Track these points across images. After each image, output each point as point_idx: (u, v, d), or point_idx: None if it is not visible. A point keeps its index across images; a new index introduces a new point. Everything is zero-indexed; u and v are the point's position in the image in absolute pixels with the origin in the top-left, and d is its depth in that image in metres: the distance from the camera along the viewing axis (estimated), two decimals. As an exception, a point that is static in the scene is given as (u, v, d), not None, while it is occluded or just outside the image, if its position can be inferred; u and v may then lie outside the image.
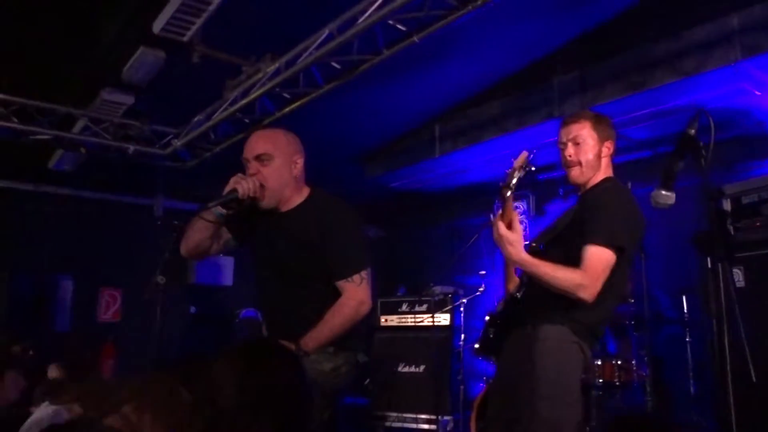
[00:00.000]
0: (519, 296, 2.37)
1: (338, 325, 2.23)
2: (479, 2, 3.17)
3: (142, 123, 5.20)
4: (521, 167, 2.17)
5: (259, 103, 4.47)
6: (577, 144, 2.38)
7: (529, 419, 2.14)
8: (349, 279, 2.27)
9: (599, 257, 2.17)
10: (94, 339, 6.19)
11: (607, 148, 2.42)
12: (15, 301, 5.80)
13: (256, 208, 2.38)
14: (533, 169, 2.19)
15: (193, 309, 6.70)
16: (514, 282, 2.44)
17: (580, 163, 2.38)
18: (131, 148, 5.27)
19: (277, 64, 4.06)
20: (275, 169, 2.32)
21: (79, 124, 5.15)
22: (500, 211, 2.20)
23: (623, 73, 4.35)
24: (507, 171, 2.19)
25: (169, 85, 4.55)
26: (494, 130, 5.15)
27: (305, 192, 2.41)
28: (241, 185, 2.27)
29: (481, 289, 5.12)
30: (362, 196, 7.02)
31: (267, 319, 2.50)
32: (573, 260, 2.20)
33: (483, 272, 5.30)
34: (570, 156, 2.39)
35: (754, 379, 1.76)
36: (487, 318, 4.66)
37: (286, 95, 4.29)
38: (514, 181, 2.16)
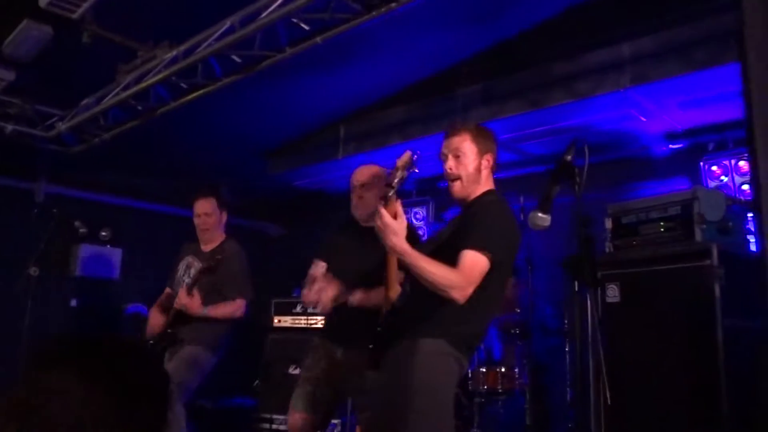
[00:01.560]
0: (399, 306, 2.40)
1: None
2: (383, 9, 3.19)
3: (23, 101, 4.87)
4: (404, 167, 2.20)
5: (154, 91, 4.29)
6: (457, 157, 2.42)
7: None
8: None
9: (475, 261, 2.21)
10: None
11: (487, 161, 2.46)
12: None
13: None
14: (416, 170, 2.24)
15: (74, 302, 6.34)
16: (395, 290, 2.46)
17: (460, 177, 2.42)
18: (9, 127, 4.93)
19: (174, 52, 3.92)
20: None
21: (-50, 98, 4.76)
22: (382, 203, 2.21)
23: (524, 89, 4.50)
24: (390, 170, 2.22)
25: (56, 63, 4.28)
26: (398, 135, 5.20)
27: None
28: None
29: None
30: (264, 193, 6.93)
31: None
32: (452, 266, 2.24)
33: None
34: (450, 169, 2.43)
35: (609, 401, 1.87)
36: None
37: (183, 85, 4.15)
38: (397, 180, 2.19)
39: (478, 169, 2.43)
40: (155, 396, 1.31)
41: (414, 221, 6.06)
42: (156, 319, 3.60)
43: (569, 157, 1.93)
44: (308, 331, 5.44)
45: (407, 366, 2.22)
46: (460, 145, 2.42)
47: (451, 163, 2.42)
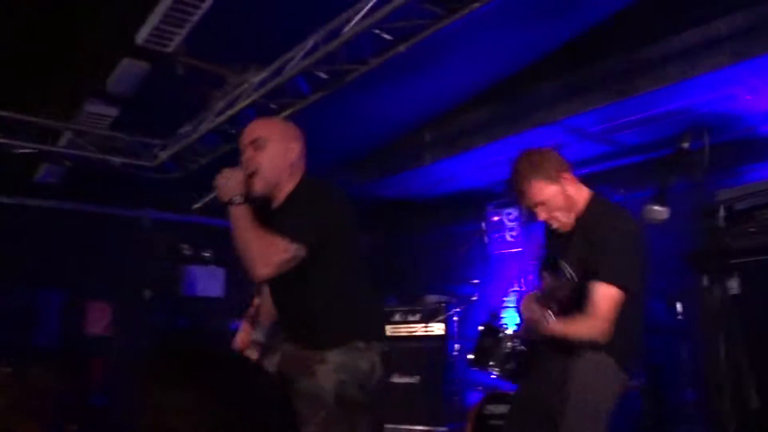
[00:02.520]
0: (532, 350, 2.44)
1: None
2: (465, 10, 3.14)
3: (128, 135, 5.14)
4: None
5: (245, 114, 4.40)
6: (544, 204, 2.42)
7: None
8: (281, 235, 2.09)
9: (606, 297, 2.21)
10: (82, 354, 6.12)
11: (569, 181, 2.44)
12: (3, 318, 5.72)
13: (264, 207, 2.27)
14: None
15: (182, 321, 6.62)
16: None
17: (560, 218, 2.42)
18: (117, 160, 5.21)
19: (262, 75, 4.02)
20: (269, 155, 2.23)
21: (65, 137, 5.08)
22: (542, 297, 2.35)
23: (611, 78, 4.32)
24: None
25: (154, 96, 4.50)
26: (484, 137, 5.11)
27: (296, 181, 2.28)
28: (220, 183, 2.16)
29: (474, 297, 5.07)
30: (354, 204, 6.99)
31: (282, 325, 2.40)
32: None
33: (476, 281, 5.25)
34: (549, 220, 2.44)
35: (755, 404, 1.75)
36: (480, 328, 4.63)
37: (272, 106, 4.24)
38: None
39: (568, 196, 2.42)
40: (264, 409, 1.33)
41: (506, 222, 5.93)
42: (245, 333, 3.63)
43: (686, 144, 1.81)
44: (408, 339, 5.41)
45: (567, 377, 2.25)
46: (542, 198, 2.42)
47: (542, 215, 2.44)
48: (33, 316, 5.92)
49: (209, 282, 6.63)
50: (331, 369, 2.14)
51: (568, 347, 2.30)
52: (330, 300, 2.20)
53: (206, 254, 6.67)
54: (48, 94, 4.74)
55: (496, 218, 5.98)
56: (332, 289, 2.20)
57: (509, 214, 6.00)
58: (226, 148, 4.90)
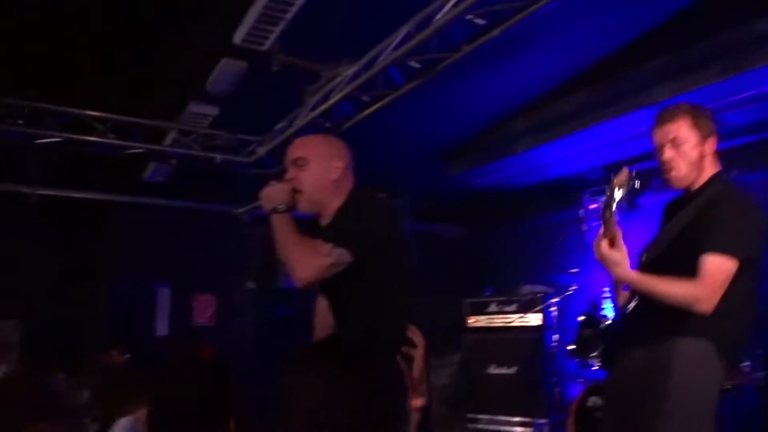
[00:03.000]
0: (629, 310, 2.25)
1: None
2: (562, -11, 3.01)
3: (227, 133, 5.33)
4: (623, 185, 2.05)
5: (339, 108, 4.47)
6: (676, 146, 2.21)
7: None
8: (324, 243, 2.09)
9: (718, 267, 2.04)
10: (191, 341, 6.43)
11: (711, 146, 2.24)
12: (114, 309, 6.10)
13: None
14: (637, 187, 2.08)
15: (281, 312, 6.82)
16: (623, 296, 2.32)
17: (680, 167, 2.21)
18: (218, 157, 5.41)
19: (355, 68, 4.04)
20: (310, 174, 2.23)
21: (170, 137, 5.33)
22: (602, 229, 2.11)
23: (720, 54, 4.05)
24: (606, 191, 2.08)
25: (251, 94, 4.63)
26: (580, 122, 4.94)
27: (343, 198, 2.26)
28: (265, 193, 2.22)
29: (573, 287, 4.94)
30: (446, 195, 6.95)
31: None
32: (689, 271, 2.06)
33: (575, 270, 5.10)
34: (669, 160, 2.22)
35: None
36: (580, 318, 4.49)
37: (365, 98, 4.27)
38: (616, 201, 2.05)
39: (701, 157, 2.22)
40: (389, 394, 1.32)
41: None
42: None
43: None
44: (505, 330, 5.34)
45: (662, 367, 2.07)
46: (677, 133, 2.21)
47: (669, 154, 2.21)
48: (148, 309, 6.28)
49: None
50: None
51: (662, 330, 2.10)
52: (364, 314, 2.16)
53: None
54: (153, 96, 4.99)
55: (593, 206, 5.77)
56: (369, 302, 2.16)
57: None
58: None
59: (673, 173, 2.21)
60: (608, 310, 4.61)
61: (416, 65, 3.80)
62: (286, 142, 5.13)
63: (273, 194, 2.19)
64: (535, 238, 6.53)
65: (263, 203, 2.20)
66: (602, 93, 4.78)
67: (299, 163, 2.25)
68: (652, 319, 2.15)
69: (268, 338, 6.25)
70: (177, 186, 6.22)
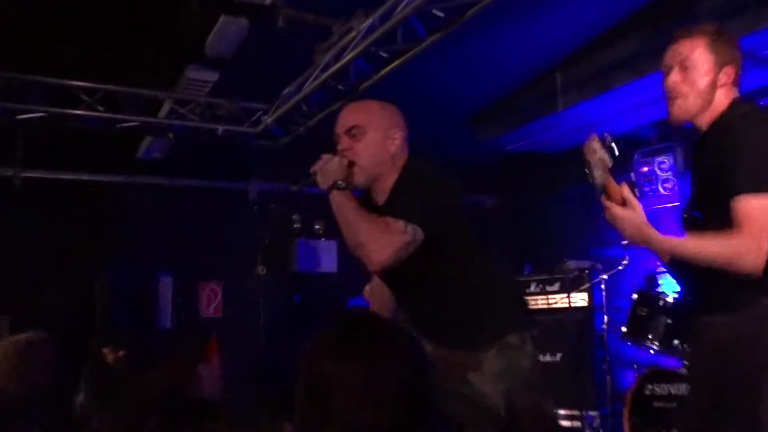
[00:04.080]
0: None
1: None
2: None
3: (229, 101, 5.34)
4: (595, 149, 2.02)
5: (354, 66, 4.44)
6: (684, 69, 2.09)
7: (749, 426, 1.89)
8: (396, 220, 2.10)
9: (757, 209, 1.86)
10: (197, 335, 6.51)
11: (727, 75, 2.09)
12: (115, 299, 6.18)
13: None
14: (614, 147, 2.04)
15: (297, 298, 6.87)
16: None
17: (686, 96, 2.09)
18: (220, 128, 5.43)
19: (370, 20, 4.00)
20: (368, 145, 2.26)
21: (165, 108, 5.35)
22: (603, 195, 2.07)
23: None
24: (585, 166, 2.05)
25: (254, 56, 4.60)
26: (627, 73, 4.86)
27: (399, 171, 2.30)
28: (319, 168, 2.22)
29: (624, 262, 4.88)
30: (475, 162, 6.90)
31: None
32: (727, 225, 1.91)
33: (626, 242, 5.05)
34: (673, 85, 2.11)
35: None
36: (634, 296, 4.46)
37: (383, 54, 4.24)
38: (597, 174, 2.02)
39: (713, 85, 2.08)
40: (426, 375, 1.33)
41: (658, 173, 5.65)
42: (378, 301, 3.71)
43: None
44: (547, 312, 5.33)
45: (743, 355, 1.92)
46: (690, 54, 2.09)
47: (675, 77, 2.10)
48: (150, 299, 6.36)
49: (322, 256, 6.83)
50: (492, 378, 2.14)
51: (728, 300, 1.96)
52: (467, 292, 2.21)
53: (318, 227, 6.87)
54: (146, 63, 4.98)
55: (645, 168, 5.71)
56: (467, 279, 2.22)
57: (662, 163, 5.71)
58: (335, 106, 4.96)
59: (677, 102, 2.10)
60: (666, 286, 4.56)
61: (440, 14, 3.76)
62: (296, 109, 5.15)
63: (330, 169, 2.19)
64: (579, 207, 6.47)
65: (319, 180, 2.21)
66: (652, 39, 4.68)
67: (354, 132, 2.26)
68: (716, 287, 2.02)
69: (284, 329, 6.31)
70: (176, 163, 6.25)
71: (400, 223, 2.05)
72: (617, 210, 2.01)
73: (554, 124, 5.72)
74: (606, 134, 2.04)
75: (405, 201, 2.14)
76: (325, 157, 2.23)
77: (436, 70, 4.93)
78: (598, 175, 2.04)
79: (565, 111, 5.40)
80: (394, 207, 2.15)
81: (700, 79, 2.09)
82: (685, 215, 2.20)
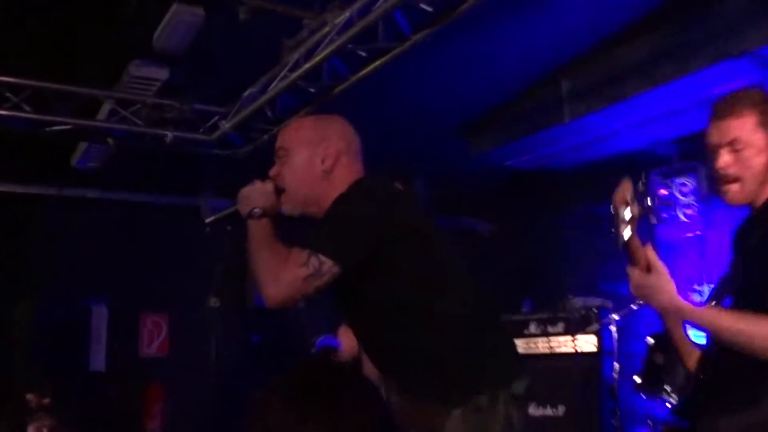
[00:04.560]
0: (704, 379, 2.20)
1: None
2: None
3: (181, 103, 5.32)
4: (628, 201, 2.03)
5: (327, 66, 4.45)
6: (736, 151, 2.12)
7: None
8: (300, 248, 2.12)
9: None
10: (136, 378, 6.43)
11: None
12: (41, 334, 6.09)
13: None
14: (647, 196, 2.05)
15: (256, 338, 6.81)
16: (691, 355, 2.28)
17: (741, 179, 2.13)
18: (169, 134, 5.40)
19: (347, 13, 4.01)
20: (292, 167, 2.33)
21: (105, 109, 5.32)
22: (629, 260, 2.06)
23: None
24: (611, 211, 2.04)
25: (211, 51, 4.61)
26: (642, 81, 4.92)
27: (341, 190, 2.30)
28: (243, 194, 2.30)
29: (639, 300, 4.88)
30: (468, 180, 6.94)
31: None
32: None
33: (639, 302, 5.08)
34: (725, 168, 2.14)
35: None
36: (649, 341, 4.46)
37: (361, 53, 4.24)
38: (627, 222, 2.01)
39: None
40: None
41: (678, 196, 5.71)
42: (351, 342, 3.72)
43: None
44: (549, 357, 5.32)
45: None
46: (740, 135, 2.12)
47: (726, 160, 2.13)
48: (80, 333, 6.27)
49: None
50: None
51: (750, 394, 2.02)
52: (429, 337, 2.19)
53: (282, 251, 6.83)
54: (83, 57, 4.96)
55: (664, 191, 5.75)
56: (429, 320, 2.19)
57: (683, 185, 5.76)
58: (304, 111, 4.96)
59: (733, 187, 2.15)
60: (688, 329, 4.58)
61: (428, 8, 3.76)
62: (259, 114, 5.14)
63: (250, 195, 2.27)
64: (587, 234, 6.51)
65: (239, 206, 2.30)
66: (671, 42, 4.76)
67: (280, 155, 2.36)
68: (744, 370, 2.04)
69: (239, 374, 6.25)
70: (115, 174, 6.20)
71: (303, 254, 2.06)
72: (642, 278, 2.02)
73: (559, 137, 5.76)
74: (642, 180, 2.04)
75: (316, 227, 2.17)
76: (256, 182, 2.31)
77: (423, 73, 4.94)
78: (625, 231, 2.04)
79: (571, 123, 5.44)
80: (309, 233, 2.17)
81: (755, 159, 2.13)
82: (713, 303, 2.24)
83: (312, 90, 4.70)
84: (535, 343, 5.48)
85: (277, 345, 6.69)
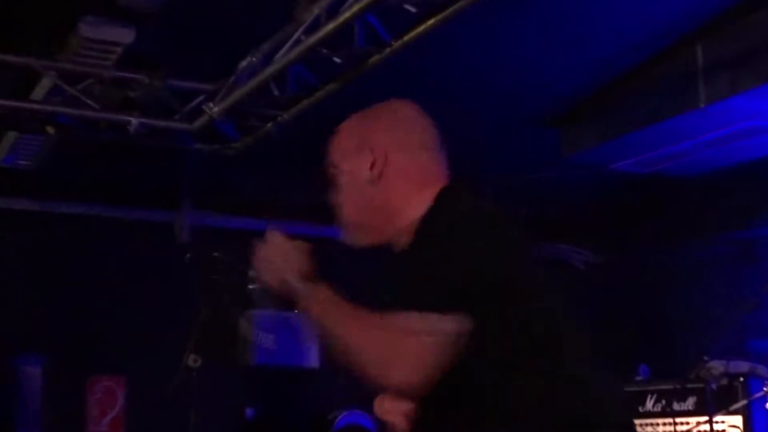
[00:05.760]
0: None
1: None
2: None
3: (151, 77, 5.38)
4: None
5: (360, 26, 4.49)
6: None
7: None
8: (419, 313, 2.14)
9: None
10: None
11: None
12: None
13: None
14: None
15: (250, 412, 6.85)
16: None
17: None
18: (134, 121, 5.46)
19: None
20: (345, 186, 2.42)
21: (44, 85, 5.39)
22: None
23: None
24: None
25: (194, 7, 4.70)
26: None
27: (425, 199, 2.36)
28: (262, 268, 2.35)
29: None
30: (558, 193, 6.94)
31: None
32: None
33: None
34: None
35: None
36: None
37: (408, 7, 4.30)
38: None
39: None
40: None
41: None
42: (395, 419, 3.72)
43: None
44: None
45: None
46: None
47: None
48: (3, 403, 6.34)
49: (297, 341, 6.84)
50: None
51: None
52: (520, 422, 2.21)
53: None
54: (13, 13, 5.02)
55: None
56: (520, 402, 2.22)
57: None
58: (324, 92, 5.04)
59: None
60: None
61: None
62: (260, 91, 5.17)
63: (272, 259, 2.31)
64: (731, 269, 6.50)
65: (271, 286, 2.33)
66: None
67: (332, 175, 2.44)
68: None
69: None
70: (56, 176, 6.31)
71: (432, 317, 2.10)
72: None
73: (691, 128, 5.79)
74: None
75: (433, 273, 2.18)
76: (270, 235, 2.34)
77: (494, 40, 5.03)
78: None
79: (709, 108, 5.47)
80: (415, 284, 2.20)
81: None
82: None
83: (338, 60, 4.77)
84: (654, 425, 5.49)
85: (280, 422, 6.73)
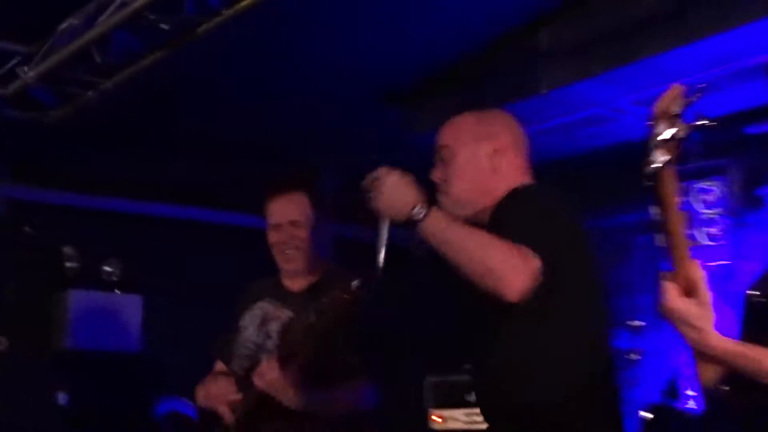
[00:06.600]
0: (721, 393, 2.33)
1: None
2: None
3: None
4: (672, 113, 2.06)
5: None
6: None
7: None
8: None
9: None
10: None
11: None
12: None
13: None
14: (705, 121, 2.10)
15: (62, 398, 6.72)
16: (710, 369, 2.40)
17: None
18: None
19: None
20: (456, 167, 2.96)
21: None
22: (672, 273, 2.17)
23: None
24: (648, 122, 2.10)
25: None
26: (659, 37, 5.10)
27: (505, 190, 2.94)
28: (378, 194, 2.75)
29: (633, 354, 5.07)
30: (402, 167, 7.00)
31: None
32: None
33: (639, 323, 5.22)
34: None
35: None
36: (644, 415, 4.57)
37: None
38: (660, 151, 2.05)
39: None
40: None
41: (700, 209, 5.87)
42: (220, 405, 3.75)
43: None
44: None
45: None
46: None
47: None
48: None
49: (115, 323, 6.77)
50: None
51: None
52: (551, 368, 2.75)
53: (109, 269, 6.75)
54: None
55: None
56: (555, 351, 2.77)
57: (706, 192, 5.93)
58: (149, 60, 4.96)
59: None
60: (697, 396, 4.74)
61: None
62: (81, 56, 5.07)
63: (391, 194, 2.74)
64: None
65: (385, 211, 2.76)
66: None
67: (442, 155, 3.00)
68: None
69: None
70: None
71: (525, 248, 2.60)
72: (679, 303, 2.11)
73: (531, 114, 5.80)
74: (699, 88, 2.06)
75: (516, 224, 2.71)
76: (381, 173, 2.76)
77: (339, 19, 5.07)
78: (659, 157, 2.02)
79: (550, 93, 5.60)
80: (506, 229, 2.69)
81: None
82: (754, 295, 2.34)
83: (165, 27, 4.69)
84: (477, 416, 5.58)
85: (95, 410, 6.63)
